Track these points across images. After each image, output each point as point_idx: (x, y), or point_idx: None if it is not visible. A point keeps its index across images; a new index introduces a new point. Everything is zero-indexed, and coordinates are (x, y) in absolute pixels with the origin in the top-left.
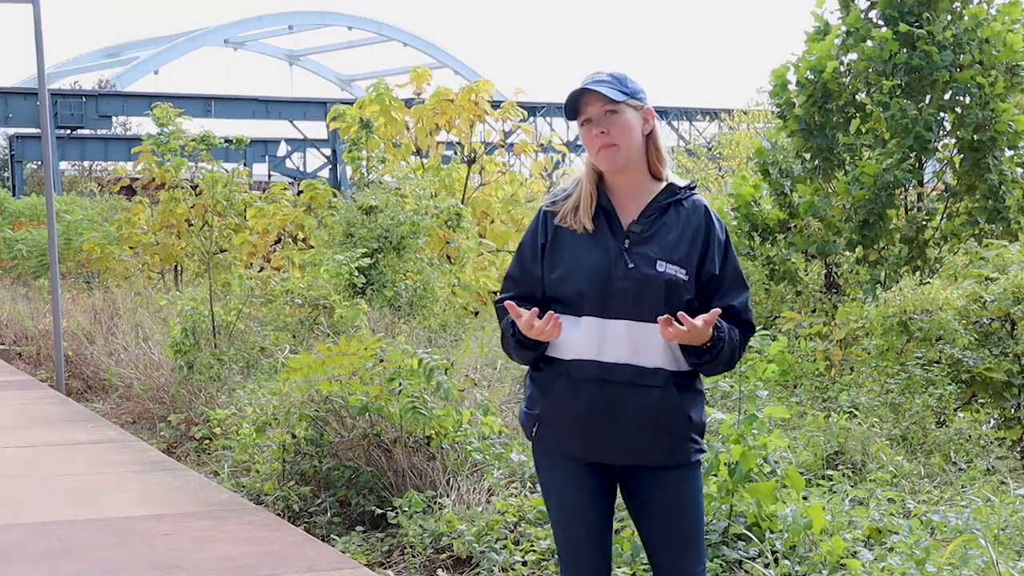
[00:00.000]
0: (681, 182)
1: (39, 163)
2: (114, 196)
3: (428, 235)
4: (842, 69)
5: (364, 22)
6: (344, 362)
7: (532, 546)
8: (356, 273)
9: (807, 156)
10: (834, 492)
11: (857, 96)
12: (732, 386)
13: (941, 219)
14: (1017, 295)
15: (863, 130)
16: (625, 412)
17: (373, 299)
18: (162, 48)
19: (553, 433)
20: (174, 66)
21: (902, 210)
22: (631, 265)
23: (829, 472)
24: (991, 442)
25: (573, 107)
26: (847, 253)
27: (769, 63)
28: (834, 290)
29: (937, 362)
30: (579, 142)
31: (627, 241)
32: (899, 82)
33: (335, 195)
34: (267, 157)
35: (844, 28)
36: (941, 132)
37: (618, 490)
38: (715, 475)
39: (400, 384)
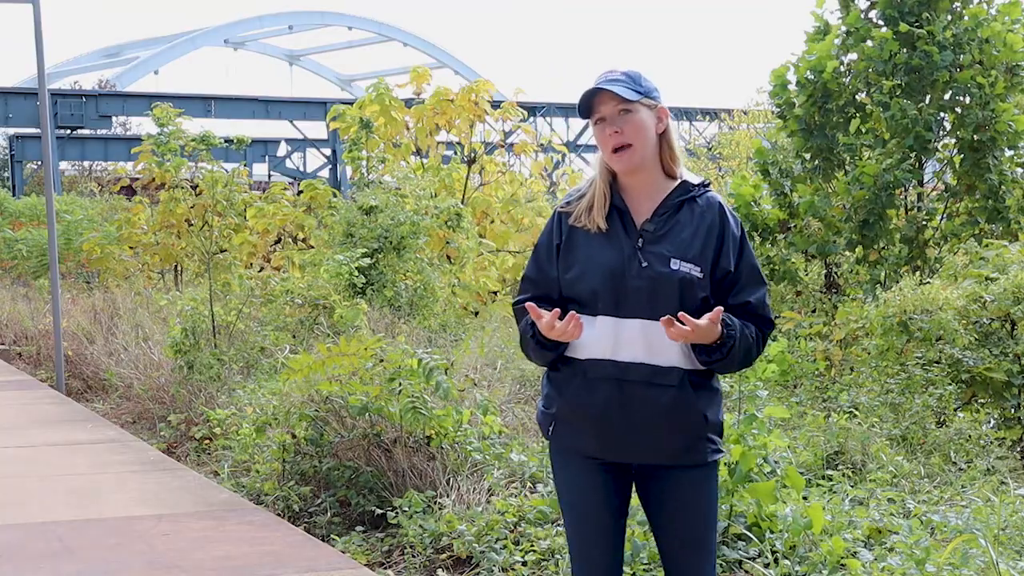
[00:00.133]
0: (695, 179)
1: (39, 163)
2: (114, 196)
3: (428, 235)
4: (842, 69)
5: (364, 22)
6: (344, 362)
7: (532, 546)
8: (356, 273)
9: (807, 156)
10: (834, 492)
11: (857, 96)
12: (732, 386)
13: (941, 219)
14: (1017, 295)
15: (863, 130)
16: (641, 411)
17: (373, 299)
18: (162, 48)
19: (569, 432)
20: (174, 66)
21: (902, 210)
22: (645, 264)
23: (829, 472)
24: (991, 442)
25: (587, 106)
26: (847, 253)
27: (769, 63)
28: (834, 290)
29: (937, 362)
30: (579, 142)
31: (641, 240)
32: (899, 82)
33: (335, 195)
34: (267, 157)
35: (844, 28)
36: (941, 132)
37: (633, 490)
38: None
39: (400, 384)
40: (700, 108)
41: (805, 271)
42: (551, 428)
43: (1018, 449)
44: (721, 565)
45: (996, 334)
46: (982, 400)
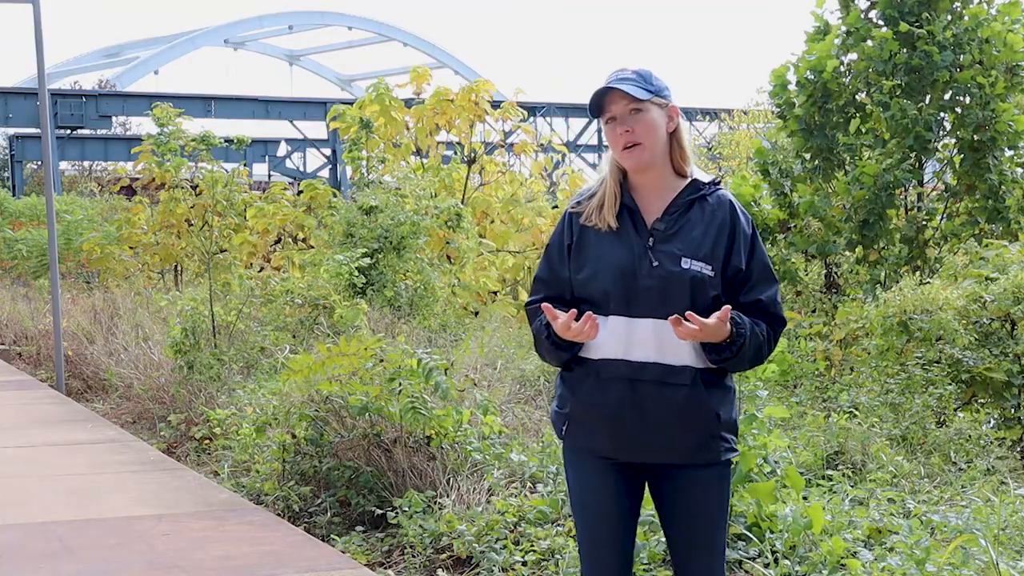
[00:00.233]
0: (705, 177)
1: (39, 163)
2: (114, 196)
3: (428, 235)
4: (842, 69)
5: (364, 22)
6: (344, 362)
7: (532, 546)
8: (356, 273)
9: (807, 156)
10: (834, 492)
11: (857, 96)
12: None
13: (941, 219)
14: (1017, 295)
15: (863, 130)
16: (654, 411)
17: (373, 299)
18: (162, 48)
19: (583, 432)
20: (174, 66)
21: (902, 210)
22: (656, 263)
23: (829, 472)
24: (991, 442)
25: (597, 105)
26: (847, 253)
27: (769, 63)
28: (834, 290)
29: (937, 362)
30: (579, 142)
31: (651, 239)
32: (899, 82)
33: (335, 195)
34: (267, 157)
35: (844, 28)
36: (941, 132)
37: (646, 490)
38: None
39: (400, 384)
40: (700, 108)
41: (805, 271)
42: (565, 428)
43: (1018, 449)
44: None
45: (996, 334)
46: (982, 400)
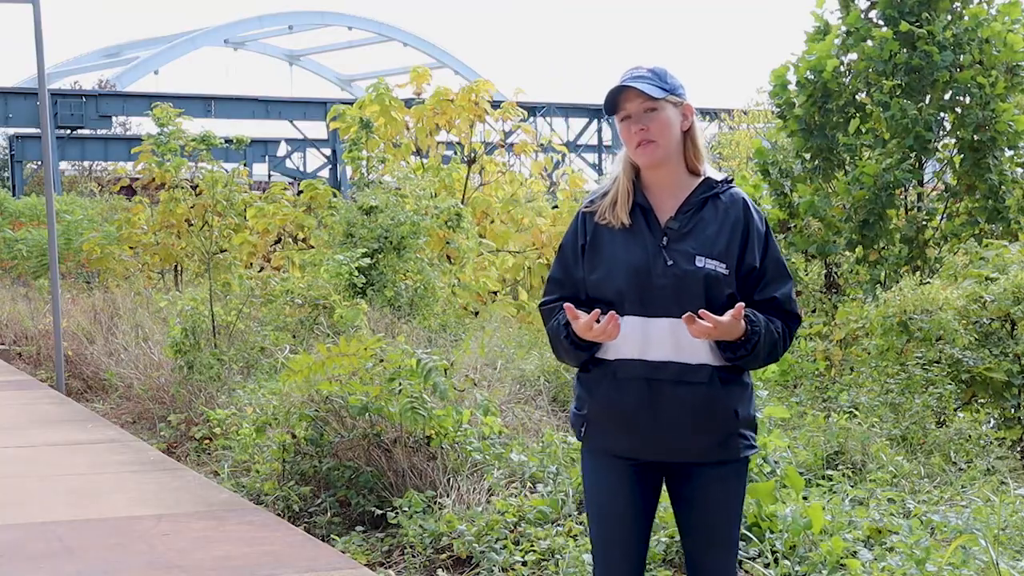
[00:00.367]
0: (718, 176)
1: (39, 163)
2: (114, 196)
3: (428, 235)
4: (842, 69)
5: (364, 22)
6: (344, 362)
7: (532, 546)
8: (356, 273)
9: (807, 156)
10: (834, 492)
11: (857, 96)
12: None
13: (941, 219)
14: (1017, 295)
15: (863, 130)
16: (671, 410)
17: (373, 299)
18: (162, 48)
19: (601, 433)
20: (174, 66)
21: (902, 210)
22: (670, 262)
23: (829, 472)
24: (991, 442)
25: (612, 103)
26: (847, 253)
27: (769, 63)
28: (834, 290)
29: (937, 362)
30: (579, 142)
31: (665, 238)
32: (899, 82)
33: (335, 195)
34: (267, 157)
35: (844, 28)
36: (941, 132)
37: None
38: None
39: (400, 384)
40: (700, 108)
41: (805, 271)
42: (583, 430)
43: (1018, 449)
44: None
45: (996, 334)
46: (982, 400)
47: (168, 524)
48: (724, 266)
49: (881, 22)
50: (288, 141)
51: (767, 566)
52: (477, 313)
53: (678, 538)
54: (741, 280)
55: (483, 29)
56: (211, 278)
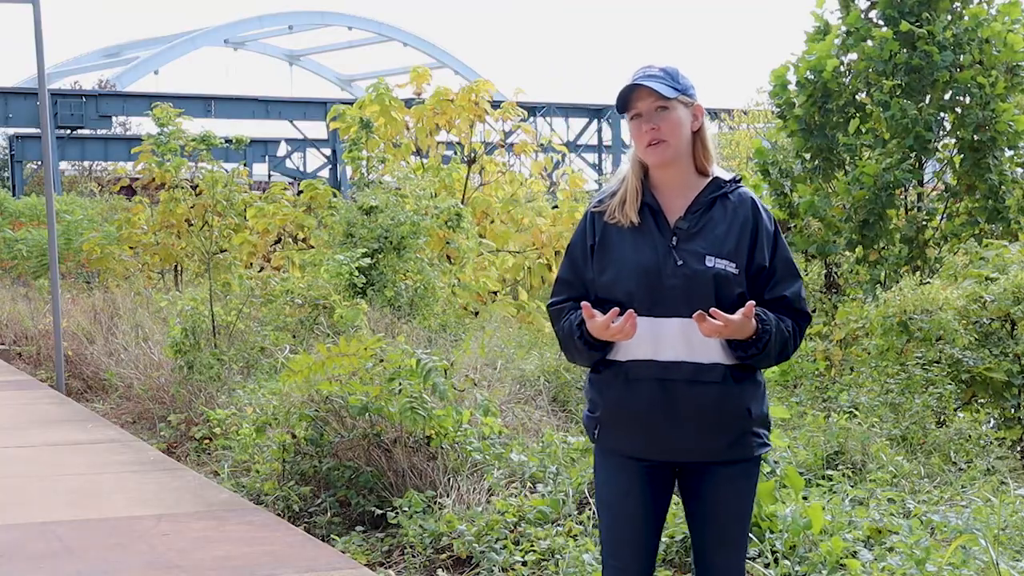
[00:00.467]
0: (727, 175)
1: (39, 163)
2: (114, 196)
3: (428, 235)
4: (842, 69)
5: (364, 22)
6: (344, 362)
7: (532, 546)
8: (356, 273)
9: (807, 156)
10: (834, 492)
11: (857, 96)
12: None
13: (941, 219)
14: (1017, 295)
15: (863, 130)
16: (685, 409)
17: (373, 299)
18: (162, 48)
19: (613, 434)
20: (174, 66)
21: (902, 210)
22: (680, 262)
23: (829, 472)
24: (991, 442)
25: (624, 102)
26: (847, 253)
27: (769, 63)
28: (834, 290)
29: (937, 362)
30: (579, 142)
31: (675, 238)
32: (899, 82)
33: (335, 195)
34: (267, 157)
35: (844, 28)
36: (941, 132)
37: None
38: None
39: (400, 384)
40: None
41: (805, 271)
42: (597, 432)
43: (1018, 449)
44: None
45: (996, 334)
46: (982, 400)
47: (168, 524)
48: (734, 265)
49: (881, 22)
50: (288, 141)
51: (767, 566)
52: (477, 313)
53: (679, 538)
54: (751, 280)
55: (483, 29)
56: (211, 278)
